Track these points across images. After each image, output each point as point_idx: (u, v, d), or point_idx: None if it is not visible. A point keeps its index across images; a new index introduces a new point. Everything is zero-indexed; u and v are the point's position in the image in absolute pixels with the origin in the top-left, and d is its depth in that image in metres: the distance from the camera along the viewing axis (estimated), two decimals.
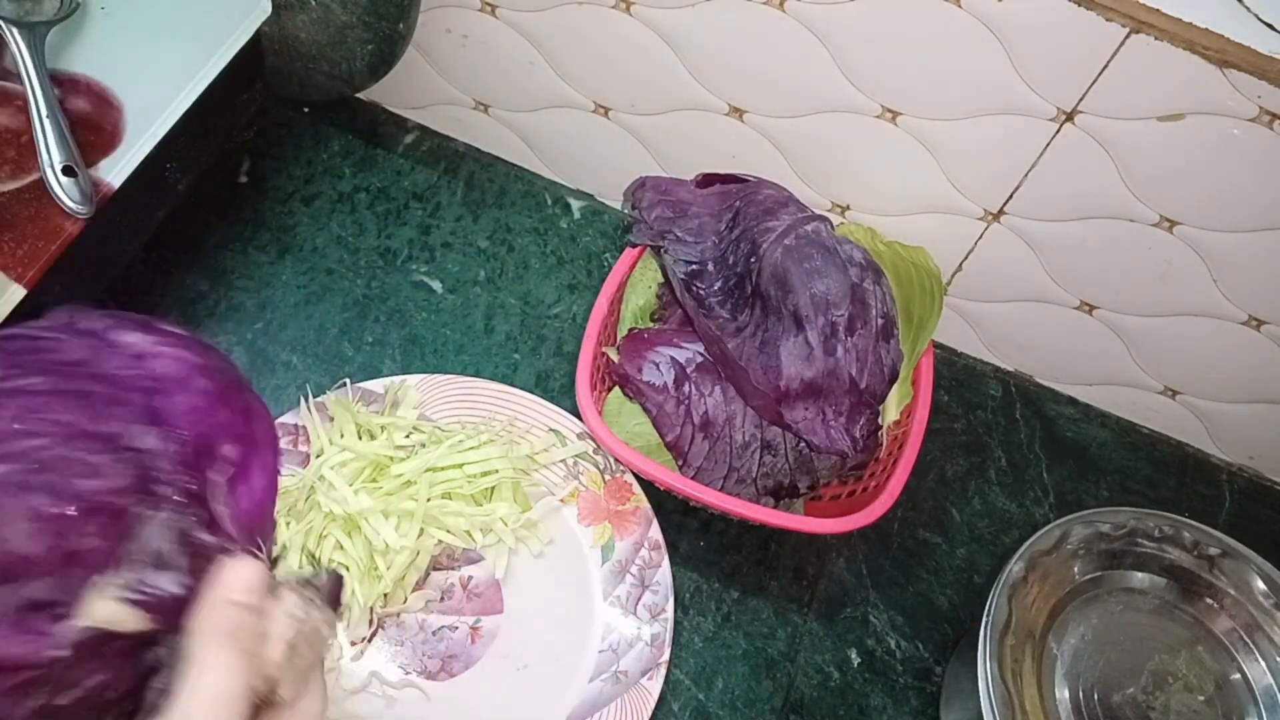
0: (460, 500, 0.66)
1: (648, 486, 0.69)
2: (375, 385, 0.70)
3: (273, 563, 0.36)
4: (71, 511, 0.30)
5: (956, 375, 0.82)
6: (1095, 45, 0.60)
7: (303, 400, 0.68)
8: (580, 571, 0.68)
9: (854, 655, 0.69)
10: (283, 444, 0.68)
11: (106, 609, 0.30)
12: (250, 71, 0.73)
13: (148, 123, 0.63)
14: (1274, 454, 0.80)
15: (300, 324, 0.75)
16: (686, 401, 0.65)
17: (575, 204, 0.85)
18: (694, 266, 0.67)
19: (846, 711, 0.67)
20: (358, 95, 0.85)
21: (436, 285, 0.79)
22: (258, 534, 0.35)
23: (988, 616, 0.59)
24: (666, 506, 0.70)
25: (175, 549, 0.31)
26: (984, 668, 0.57)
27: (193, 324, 0.73)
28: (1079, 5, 0.58)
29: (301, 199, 0.81)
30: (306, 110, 0.85)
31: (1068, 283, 0.75)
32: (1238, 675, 0.60)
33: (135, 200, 0.65)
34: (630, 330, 0.71)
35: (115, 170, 0.62)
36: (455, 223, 0.82)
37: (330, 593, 0.36)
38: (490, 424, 0.70)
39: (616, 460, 0.69)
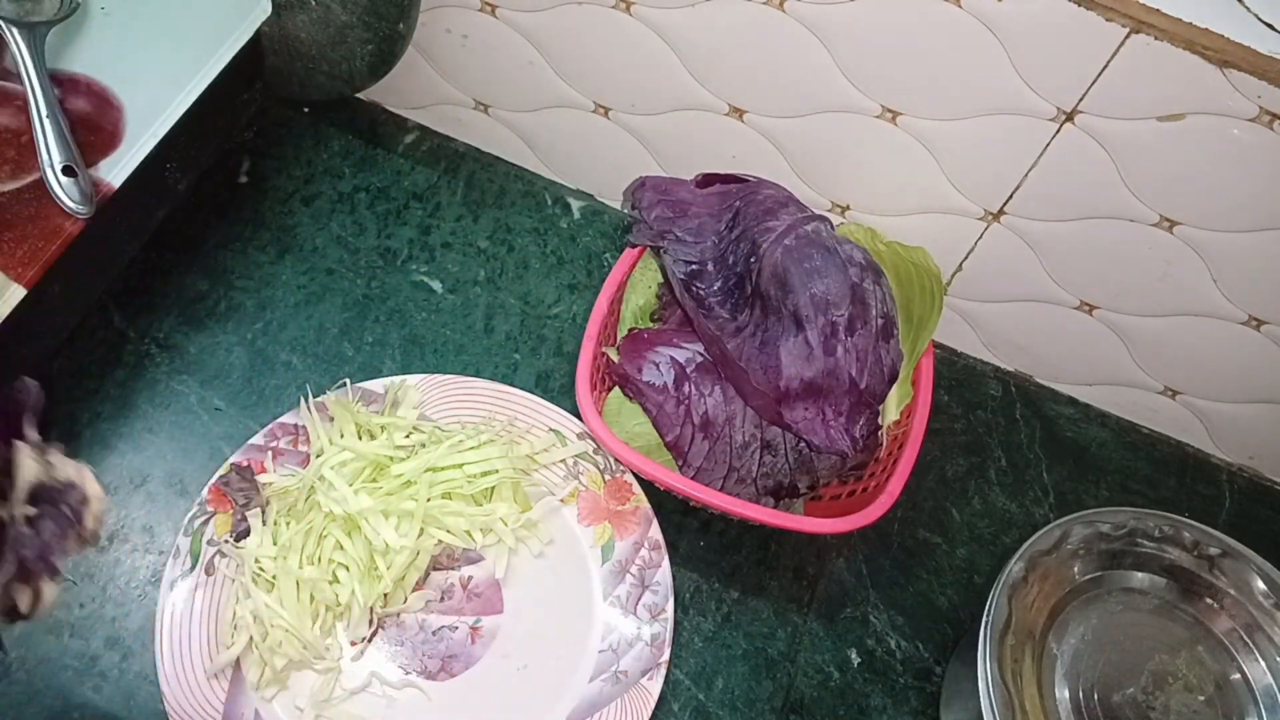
0: (460, 500, 0.66)
1: (648, 486, 0.69)
2: (375, 385, 0.70)
3: None
4: None
5: (956, 375, 0.82)
6: (1095, 45, 0.60)
7: (303, 400, 0.68)
8: (580, 571, 0.68)
9: (854, 655, 0.69)
10: (283, 444, 0.68)
11: None
12: (250, 71, 0.73)
13: (148, 123, 0.63)
14: (1274, 454, 0.80)
15: (300, 324, 0.75)
16: (686, 401, 0.65)
17: (575, 204, 0.85)
18: (694, 266, 0.67)
19: (846, 711, 0.67)
20: (358, 95, 0.85)
21: (436, 285, 0.79)
22: None
23: (988, 616, 0.59)
24: (666, 506, 0.70)
25: None
26: (984, 668, 0.57)
27: (193, 324, 0.74)
28: (1079, 5, 0.58)
29: (301, 199, 0.81)
30: (306, 110, 0.85)
31: (1068, 283, 0.75)
32: (1238, 675, 0.60)
33: (135, 200, 0.65)
34: (630, 330, 0.71)
35: (115, 170, 0.62)
36: (455, 223, 0.82)
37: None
38: (490, 424, 0.70)
39: (616, 460, 0.69)
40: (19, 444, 0.39)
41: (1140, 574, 0.62)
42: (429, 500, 0.65)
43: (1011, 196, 0.70)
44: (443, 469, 0.66)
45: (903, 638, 0.70)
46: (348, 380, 0.70)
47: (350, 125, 0.85)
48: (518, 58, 0.77)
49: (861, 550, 0.73)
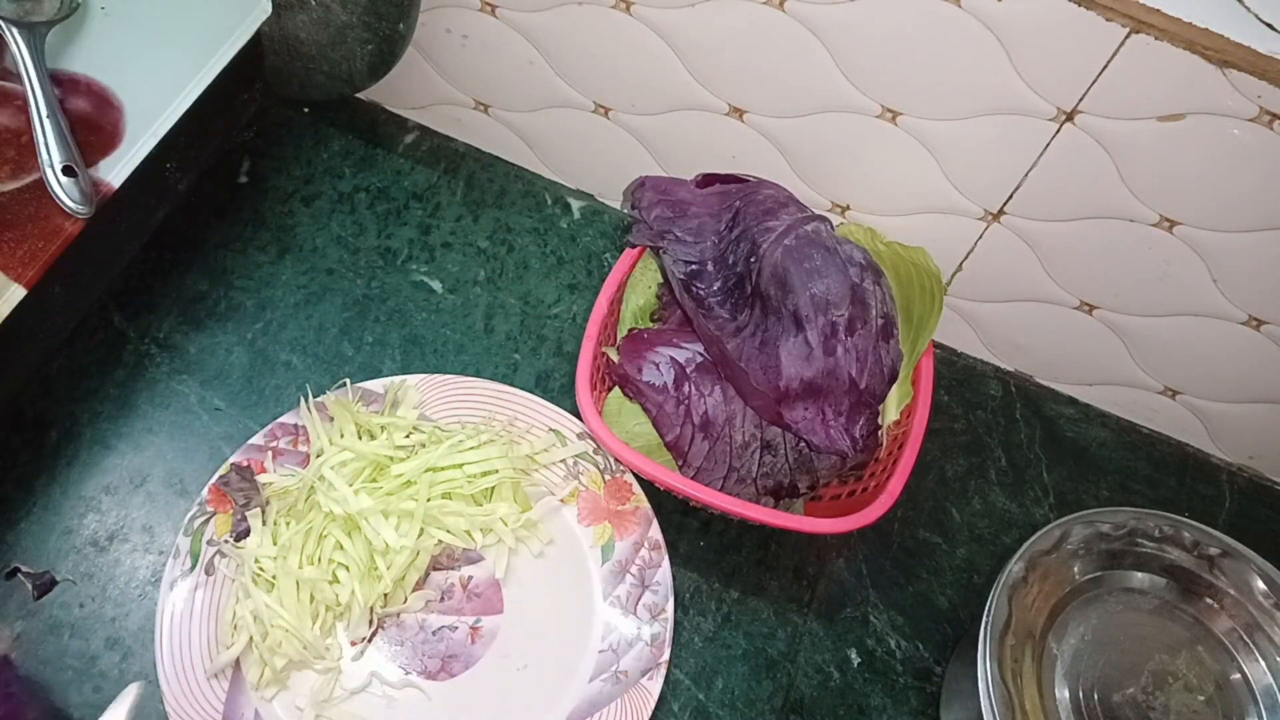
0: (460, 500, 0.66)
1: (648, 486, 0.69)
2: (375, 385, 0.70)
3: None
4: None
5: (956, 375, 0.82)
6: (1095, 45, 0.60)
7: (303, 400, 0.68)
8: (580, 571, 0.68)
9: (854, 655, 0.69)
10: (283, 444, 0.68)
11: None
12: (250, 71, 0.73)
13: (148, 123, 0.63)
14: (1274, 454, 0.80)
15: (300, 324, 0.75)
16: (686, 401, 0.65)
17: (575, 204, 0.85)
18: (694, 266, 0.67)
19: (846, 711, 0.67)
20: (358, 95, 0.85)
21: (436, 285, 0.79)
22: None
23: (988, 616, 0.59)
24: (666, 506, 0.70)
25: None
26: (984, 668, 0.57)
27: (193, 324, 0.74)
28: (1079, 5, 0.58)
29: (301, 199, 0.81)
30: (306, 110, 0.85)
31: (1067, 283, 0.75)
32: (1238, 675, 0.60)
33: (135, 200, 0.65)
34: (630, 330, 0.71)
35: (115, 170, 0.62)
36: (455, 223, 0.82)
37: None
38: (490, 424, 0.70)
39: (616, 460, 0.69)
40: None
41: (1140, 574, 0.62)
42: (429, 500, 0.65)
43: (1011, 196, 0.70)
44: (443, 469, 0.66)
45: (903, 638, 0.70)
46: (348, 380, 0.70)
47: (350, 125, 0.85)
48: (518, 58, 0.77)
49: (861, 550, 0.73)
